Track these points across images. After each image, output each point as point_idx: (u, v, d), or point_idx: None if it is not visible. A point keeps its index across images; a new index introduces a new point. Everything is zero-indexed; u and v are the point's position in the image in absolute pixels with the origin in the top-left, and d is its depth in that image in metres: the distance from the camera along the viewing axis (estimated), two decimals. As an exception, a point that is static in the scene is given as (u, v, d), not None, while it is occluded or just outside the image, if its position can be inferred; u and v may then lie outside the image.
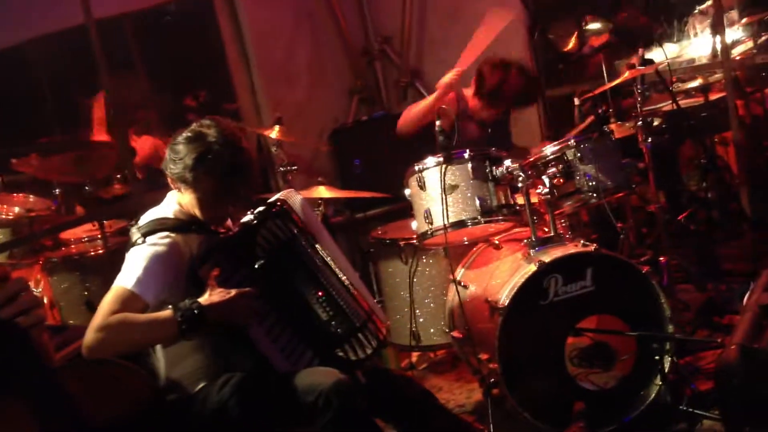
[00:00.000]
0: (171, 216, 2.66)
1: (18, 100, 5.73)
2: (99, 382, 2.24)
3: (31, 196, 5.14)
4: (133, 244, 2.57)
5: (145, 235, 2.57)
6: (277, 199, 2.72)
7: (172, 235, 2.57)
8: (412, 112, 4.17)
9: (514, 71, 4.11)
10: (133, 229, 2.62)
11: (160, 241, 2.55)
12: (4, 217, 4.76)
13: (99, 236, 4.54)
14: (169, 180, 2.67)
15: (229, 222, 2.78)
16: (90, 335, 2.39)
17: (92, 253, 4.65)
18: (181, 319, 2.40)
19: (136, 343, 2.48)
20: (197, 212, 2.65)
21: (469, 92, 4.28)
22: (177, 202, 2.70)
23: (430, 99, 4.13)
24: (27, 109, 5.84)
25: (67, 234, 4.92)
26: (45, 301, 4.60)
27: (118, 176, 5.42)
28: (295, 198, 2.78)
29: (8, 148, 5.45)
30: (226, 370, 2.57)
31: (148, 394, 2.34)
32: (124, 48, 5.80)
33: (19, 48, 5.57)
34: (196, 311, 2.41)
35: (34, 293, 4.20)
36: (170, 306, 2.44)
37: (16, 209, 4.93)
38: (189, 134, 2.62)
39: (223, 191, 2.61)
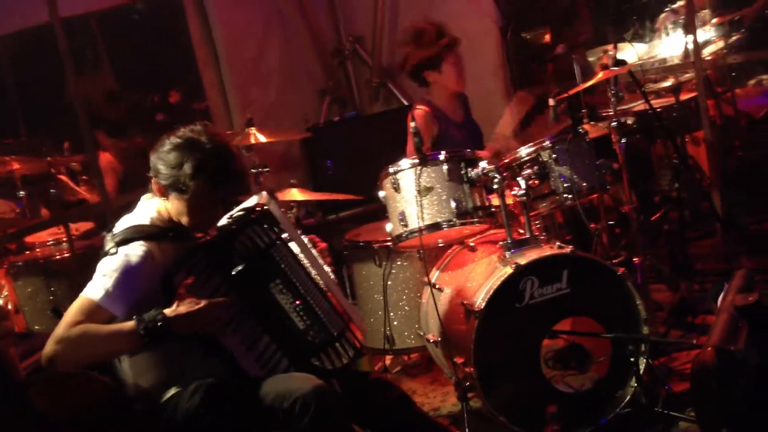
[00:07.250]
0: (147, 223, 2.59)
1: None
2: (61, 394, 2.17)
3: (-5, 198, 5.03)
4: (106, 254, 2.50)
5: (119, 244, 2.50)
6: (256, 204, 2.66)
7: (147, 244, 2.51)
8: None
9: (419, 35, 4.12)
10: (107, 237, 2.55)
11: (133, 251, 2.48)
12: (-34, 219, 4.65)
13: (65, 239, 4.44)
14: (155, 188, 2.58)
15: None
16: (50, 346, 2.34)
17: (57, 257, 4.55)
18: (144, 332, 2.36)
19: (98, 354, 2.42)
20: (186, 218, 2.57)
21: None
22: (156, 208, 2.62)
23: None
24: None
25: (32, 237, 4.81)
26: (9, 307, 4.48)
27: (84, 178, 5.32)
28: (271, 202, 2.73)
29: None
30: (197, 378, 2.51)
31: (112, 403, 2.28)
32: (91, 47, 5.70)
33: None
34: (159, 323, 2.36)
35: None
36: (135, 317, 2.38)
37: (-20, 211, 4.82)
38: (180, 141, 2.53)
39: (218, 196, 2.56)
